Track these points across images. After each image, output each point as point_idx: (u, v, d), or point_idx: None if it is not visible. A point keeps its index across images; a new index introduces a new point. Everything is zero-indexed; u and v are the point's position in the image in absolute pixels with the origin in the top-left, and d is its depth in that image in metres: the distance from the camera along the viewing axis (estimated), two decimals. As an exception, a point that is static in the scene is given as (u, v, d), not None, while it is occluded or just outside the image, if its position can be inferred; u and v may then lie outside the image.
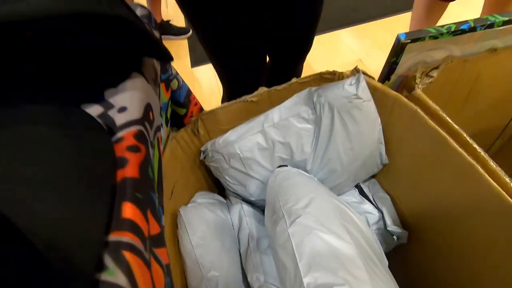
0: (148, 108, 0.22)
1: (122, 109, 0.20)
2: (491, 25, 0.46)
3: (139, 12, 0.31)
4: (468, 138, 0.41)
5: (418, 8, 1.04)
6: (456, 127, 0.43)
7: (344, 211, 0.36)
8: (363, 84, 0.40)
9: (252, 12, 0.56)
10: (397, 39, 0.46)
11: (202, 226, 0.45)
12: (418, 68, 0.52)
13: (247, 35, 0.58)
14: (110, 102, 0.20)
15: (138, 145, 0.19)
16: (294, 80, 0.54)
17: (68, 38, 0.18)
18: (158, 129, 0.28)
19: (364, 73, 0.54)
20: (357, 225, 0.36)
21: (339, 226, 0.31)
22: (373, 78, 0.54)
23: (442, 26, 0.46)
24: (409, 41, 0.46)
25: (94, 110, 0.19)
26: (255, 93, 0.53)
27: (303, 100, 0.45)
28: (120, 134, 0.19)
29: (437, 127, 0.43)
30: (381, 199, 0.58)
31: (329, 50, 1.43)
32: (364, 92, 0.40)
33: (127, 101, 0.20)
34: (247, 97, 0.53)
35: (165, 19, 1.74)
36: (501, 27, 0.47)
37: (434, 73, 0.50)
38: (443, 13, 1.03)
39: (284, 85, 0.54)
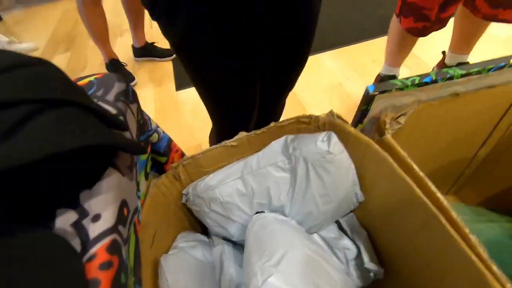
0: (122, 205, 0.23)
1: (96, 217, 0.21)
2: (450, 78, 0.50)
3: (116, 88, 0.32)
4: (432, 187, 0.44)
5: (391, 43, 1.10)
6: (421, 174, 0.46)
7: (317, 263, 0.38)
8: (333, 140, 0.43)
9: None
10: (367, 91, 0.49)
11: (183, 275, 0.46)
12: (388, 112, 0.56)
13: (247, 36, 0.54)
14: (85, 209, 0.21)
15: (111, 259, 0.20)
16: (272, 124, 0.56)
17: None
18: (136, 211, 0.29)
19: (338, 117, 0.57)
20: (330, 277, 0.37)
21: (309, 284, 0.32)
22: (347, 122, 0.57)
23: (407, 79, 0.50)
24: (377, 93, 0.49)
25: (69, 217, 0.20)
26: (235, 137, 0.55)
27: (280, 149, 0.47)
28: (92, 250, 0.20)
29: (404, 174, 0.46)
30: (358, 234, 0.61)
31: (311, 73, 1.47)
32: (335, 147, 0.43)
33: (101, 206, 0.21)
34: (227, 142, 0.54)
35: (149, 40, 1.75)
36: (460, 79, 0.51)
37: (402, 120, 0.54)
38: (414, 45, 1.09)
39: (263, 129, 0.56)
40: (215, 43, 0.51)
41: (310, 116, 0.58)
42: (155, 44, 1.75)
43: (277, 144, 0.48)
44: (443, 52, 1.25)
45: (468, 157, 0.75)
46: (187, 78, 1.53)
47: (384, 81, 1.23)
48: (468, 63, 1.19)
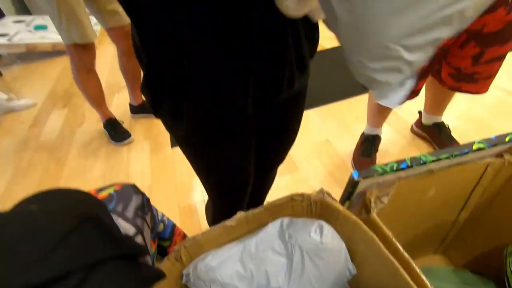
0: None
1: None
2: (424, 163, 0.57)
3: (133, 203, 0.37)
4: (417, 269, 0.48)
5: (371, 109, 1.22)
6: (406, 256, 0.50)
7: None
8: (325, 231, 0.48)
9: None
10: (352, 177, 0.55)
11: None
12: (373, 190, 0.61)
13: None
14: None
15: None
16: (268, 203, 0.60)
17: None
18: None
19: (328, 194, 0.63)
20: None
21: None
22: (336, 200, 0.62)
23: (386, 165, 0.56)
24: (361, 178, 0.55)
25: None
26: (234, 218, 0.59)
27: (277, 233, 0.51)
28: None
29: (390, 256, 0.50)
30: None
31: (300, 129, 1.56)
32: (327, 237, 0.48)
33: None
34: (227, 223, 0.58)
35: (146, 98, 1.85)
36: (432, 163, 0.58)
37: (385, 200, 0.59)
38: (390, 111, 1.21)
39: (260, 208, 0.60)
40: (218, 138, 0.58)
41: (302, 195, 0.63)
42: (151, 102, 1.84)
43: (273, 228, 0.53)
44: (419, 112, 1.37)
45: (450, 220, 0.80)
46: None
47: (368, 140, 1.33)
48: (442, 122, 1.31)
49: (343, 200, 0.62)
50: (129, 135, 1.63)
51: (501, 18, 0.83)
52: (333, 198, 0.61)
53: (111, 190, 0.39)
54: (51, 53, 2.81)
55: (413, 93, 1.04)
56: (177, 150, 1.58)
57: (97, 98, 1.59)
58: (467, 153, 0.57)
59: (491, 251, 0.80)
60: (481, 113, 1.51)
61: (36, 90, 2.34)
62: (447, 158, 0.57)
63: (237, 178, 0.66)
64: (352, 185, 0.56)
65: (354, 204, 0.64)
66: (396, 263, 0.49)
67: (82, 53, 1.37)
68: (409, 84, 0.39)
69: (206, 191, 0.76)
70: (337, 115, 1.63)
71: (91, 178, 1.46)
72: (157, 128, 1.74)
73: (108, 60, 2.65)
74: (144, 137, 1.67)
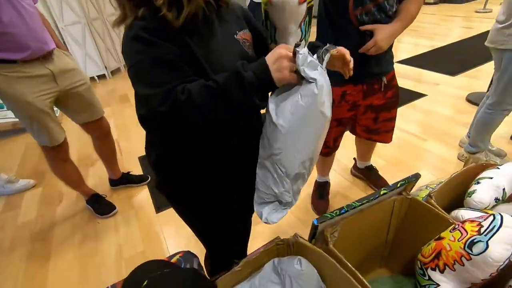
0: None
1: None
2: (354, 207, 0.90)
3: (195, 263, 0.61)
4: (362, 279, 0.77)
5: (318, 163, 1.60)
6: (355, 270, 0.79)
7: None
8: (303, 262, 0.76)
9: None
10: (313, 223, 0.86)
11: None
12: (328, 229, 0.92)
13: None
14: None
15: None
16: (261, 249, 0.87)
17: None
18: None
19: (300, 237, 0.92)
20: None
21: None
22: (305, 239, 0.91)
23: (333, 212, 0.88)
24: (320, 223, 0.86)
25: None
26: (240, 264, 0.84)
27: (271, 270, 0.78)
28: None
29: (345, 272, 0.79)
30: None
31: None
32: (304, 266, 0.76)
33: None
34: (235, 268, 0.83)
35: (124, 170, 2.01)
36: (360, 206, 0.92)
37: (336, 234, 0.90)
38: (332, 161, 1.60)
39: (256, 253, 0.87)
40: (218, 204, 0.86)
41: (283, 240, 0.91)
42: (130, 173, 2.01)
43: (269, 267, 0.79)
44: (354, 159, 1.80)
45: (382, 241, 1.14)
46: (164, 201, 1.81)
47: (320, 186, 1.68)
48: (371, 165, 1.74)
49: (310, 238, 0.92)
50: (114, 207, 1.76)
51: (381, 97, 1.28)
52: (304, 239, 0.90)
53: (177, 257, 0.62)
54: (11, 131, 2.83)
55: (336, 148, 1.44)
56: (162, 215, 1.76)
57: (76, 181, 1.69)
58: (378, 197, 0.93)
59: (413, 258, 1.14)
60: (396, 153, 2.00)
61: (3, 169, 2.33)
62: (368, 201, 0.92)
63: (239, 237, 0.93)
64: (314, 228, 0.86)
65: (318, 240, 0.94)
66: (349, 276, 0.78)
67: (55, 150, 1.46)
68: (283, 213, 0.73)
69: (207, 248, 1.00)
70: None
71: (82, 253, 1.55)
72: (139, 197, 1.90)
73: (74, 134, 2.76)
74: (128, 207, 1.82)
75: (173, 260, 0.61)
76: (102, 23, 4.16)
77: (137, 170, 2.11)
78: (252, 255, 0.87)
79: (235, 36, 0.67)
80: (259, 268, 0.86)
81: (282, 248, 0.92)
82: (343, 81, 1.19)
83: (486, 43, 1.53)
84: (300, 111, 0.59)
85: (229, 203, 0.89)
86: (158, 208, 1.78)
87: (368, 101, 1.28)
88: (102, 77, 4.19)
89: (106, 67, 4.23)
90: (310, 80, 0.57)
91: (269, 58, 0.57)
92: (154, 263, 0.55)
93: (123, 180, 1.95)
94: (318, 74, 0.56)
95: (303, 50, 0.55)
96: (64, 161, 1.56)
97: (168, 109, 0.54)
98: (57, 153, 1.48)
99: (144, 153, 2.25)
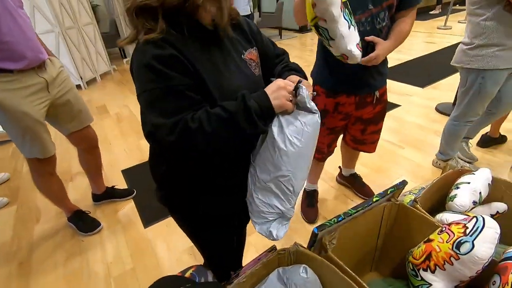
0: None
1: None
2: (350, 215, 0.95)
3: (209, 276, 0.62)
4: (362, 282, 0.82)
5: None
6: (354, 275, 0.84)
7: None
8: (308, 271, 0.79)
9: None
10: (313, 232, 0.89)
11: None
12: (326, 236, 0.96)
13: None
14: None
15: None
16: (264, 259, 0.89)
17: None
18: None
19: (300, 245, 0.95)
20: None
21: None
22: (306, 248, 0.94)
23: (331, 220, 0.93)
24: (319, 231, 0.89)
25: None
26: (243, 276, 0.85)
27: (276, 279, 0.80)
28: None
29: (345, 277, 0.83)
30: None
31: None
32: (309, 274, 0.79)
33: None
34: (240, 280, 0.84)
35: (107, 184, 1.94)
36: (355, 213, 0.97)
37: (334, 241, 0.95)
38: (322, 168, 1.66)
39: (259, 264, 0.88)
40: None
41: (284, 249, 0.94)
42: (115, 187, 1.95)
43: (273, 276, 0.81)
44: (340, 167, 1.88)
45: (373, 246, 1.20)
46: (152, 215, 1.79)
47: (309, 194, 1.73)
48: (355, 173, 1.82)
49: (309, 247, 0.95)
50: (99, 224, 1.70)
51: (371, 111, 1.36)
52: (304, 247, 0.94)
53: (190, 271, 0.63)
54: (-22, 146, 2.65)
55: (329, 153, 1.51)
56: (151, 229, 1.71)
57: (60, 197, 1.63)
58: (371, 203, 0.99)
59: (402, 260, 1.21)
60: (378, 161, 2.11)
61: (-32, 190, 2.17)
62: (362, 209, 0.97)
63: (236, 252, 0.95)
64: (314, 236, 0.90)
65: (316, 248, 0.98)
66: (349, 280, 0.82)
67: (44, 163, 1.42)
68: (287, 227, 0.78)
69: (205, 258, 1.01)
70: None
71: (66, 274, 1.47)
72: (125, 212, 1.84)
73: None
74: (114, 222, 1.76)
75: (187, 275, 0.62)
76: (78, 32, 4.04)
77: (121, 184, 2.06)
78: (253, 266, 0.89)
79: (242, 56, 0.71)
80: (263, 278, 0.88)
81: (283, 257, 0.95)
82: (337, 92, 1.27)
83: (452, 63, 1.68)
84: (306, 137, 0.67)
85: (229, 228, 0.92)
86: (147, 222, 1.73)
87: (359, 113, 1.35)
88: (77, 87, 4.04)
89: (81, 78, 4.09)
90: (313, 111, 0.65)
91: (269, 89, 0.64)
92: (171, 279, 0.56)
93: (107, 195, 1.89)
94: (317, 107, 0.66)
95: (303, 90, 0.64)
96: (51, 175, 1.51)
97: (177, 138, 0.58)
98: (45, 166, 1.44)
99: (127, 166, 2.22)
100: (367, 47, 1.09)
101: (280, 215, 0.76)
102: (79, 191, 2.03)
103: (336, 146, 1.55)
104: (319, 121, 0.67)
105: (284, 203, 0.74)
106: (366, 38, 1.09)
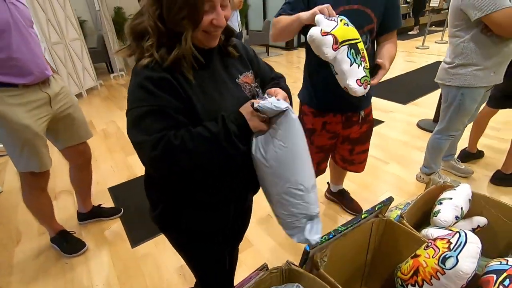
0: None
1: None
2: (341, 231, 0.97)
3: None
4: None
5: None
6: (345, 291, 0.85)
7: None
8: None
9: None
10: (305, 250, 0.91)
11: None
12: (317, 254, 0.98)
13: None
14: None
15: None
16: (256, 278, 0.90)
17: None
18: None
19: (293, 264, 0.96)
20: None
21: None
22: (297, 266, 0.95)
23: (323, 237, 0.95)
24: (311, 250, 0.91)
25: None
26: (239, 295, 0.85)
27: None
28: None
29: (338, 295, 0.84)
30: None
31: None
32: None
33: None
34: (234, 300, 0.84)
35: (93, 203, 1.89)
36: (345, 230, 0.99)
37: (325, 258, 0.96)
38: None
39: (252, 284, 0.89)
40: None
41: (276, 267, 0.94)
42: (101, 206, 1.90)
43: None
44: (328, 183, 1.91)
45: (362, 262, 1.22)
46: (140, 234, 1.76)
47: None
48: (343, 189, 1.86)
49: (301, 265, 0.96)
50: (84, 245, 1.64)
51: (357, 130, 1.42)
52: (296, 265, 0.95)
53: None
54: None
55: (320, 172, 1.54)
56: (138, 249, 1.67)
57: (48, 215, 1.59)
58: (360, 220, 1.01)
59: (390, 276, 1.24)
60: (364, 177, 2.16)
61: None
62: (351, 225, 1.00)
63: (227, 270, 0.95)
64: (305, 254, 0.91)
65: (308, 265, 0.99)
66: (341, 297, 0.84)
67: (38, 177, 1.41)
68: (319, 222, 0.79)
69: (196, 277, 1.01)
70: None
71: (48, 299, 1.41)
72: (112, 231, 1.79)
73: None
74: (100, 242, 1.71)
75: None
76: (64, 48, 4.01)
77: (107, 202, 2.01)
78: (246, 285, 0.89)
79: (237, 80, 0.73)
80: (257, 298, 0.88)
81: (275, 276, 0.95)
82: (324, 111, 1.32)
83: (435, 80, 1.78)
84: (294, 134, 0.68)
85: (220, 245, 0.93)
86: (134, 242, 1.69)
87: (347, 132, 1.40)
88: (62, 103, 3.96)
89: (67, 93, 4.03)
90: (283, 109, 0.65)
91: (244, 109, 0.66)
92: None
93: (93, 214, 1.84)
94: (285, 103, 0.65)
95: (262, 102, 0.65)
96: (42, 191, 1.49)
97: (161, 153, 0.59)
98: (39, 181, 1.44)
99: (114, 184, 2.20)
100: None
101: (307, 217, 0.75)
102: (63, 210, 1.97)
103: (326, 166, 1.59)
104: (293, 115, 0.67)
105: (303, 205, 0.73)
106: (377, 61, 1.15)
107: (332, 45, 0.96)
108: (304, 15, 1.04)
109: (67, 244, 1.62)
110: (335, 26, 0.99)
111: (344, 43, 1.00)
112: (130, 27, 0.64)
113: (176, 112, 0.62)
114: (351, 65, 1.02)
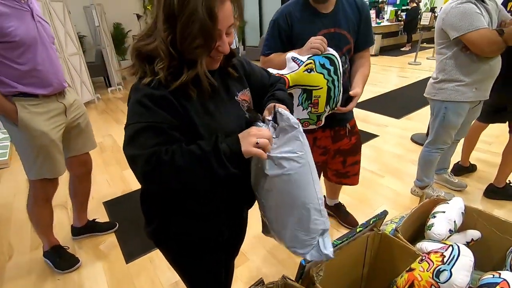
0: None
1: None
2: (337, 245, 0.98)
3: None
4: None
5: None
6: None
7: None
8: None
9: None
10: (301, 264, 0.91)
11: None
12: (313, 268, 0.98)
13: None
14: None
15: None
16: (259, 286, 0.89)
17: None
18: None
19: (290, 279, 0.96)
20: None
21: None
22: (294, 280, 0.95)
23: (317, 251, 0.95)
24: (306, 264, 0.91)
25: None
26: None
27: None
28: None
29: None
30: None
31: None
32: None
33: None
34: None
35: (88, 217, 1.87)
36: (340, 244, 1.00)
37: (321, 272, 0.96)
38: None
39: (248, 299, 0.88)
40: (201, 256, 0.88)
41: (272, 282, 0.94)
42: (96, 220, 1.88)
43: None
44: (324, 196, 1.92)
45: (359, 275, 1.22)
46: (135, 249, 1.75)
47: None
48: (339, 202, 1.87)
49: (297, 279, 0.96)
50: (78, 260, 1.62)
51: (347, 142, 1.45)
52: (292, 280, 0.95)
53: None
54: None
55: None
56: (133, 265, 1.64)
57: (48, 227, 1.60)
58: (355, 234, 1.02)
59: (387, 290, 1.23)
60: (360, 190, 2.18)
61: None
62: (347, 239, 1.01)
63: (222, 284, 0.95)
64: (301, 268, 0.92)
65: (304, 280, 0.99)
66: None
67: (47, 186, 1.46)
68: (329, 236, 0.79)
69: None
70: (267, 206, 2.05)
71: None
72: (106, 246, 1.76)
73: (26, 176, 2.52)
74: (94, 258, 1.68)
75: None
76: (63, 62, 4.05)
77: (102, 217, 1.99)
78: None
79: (235, 97, 0.76)
80: (252, 313, 0.87)
81: (272, 290, 0.95)
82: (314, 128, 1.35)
83: (424, 94, 1.84)
84: (306, 149, 0.70)
85: (209, 258, 0.91)
86: (129, 257, 1.67)
87: (337, 145, 1.43)
88: (59, 116, 3.97)
89: (64, 107, 4.04)
90: (295, 126, 0.68)
91: (242, 134, 0.65)
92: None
93: (88, 229, 1.81)
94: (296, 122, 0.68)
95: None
96: (46, 201, 1.52)
97: (153, 169, 0.59)
98: (47, 190, 1.48)
99: (109, 198, 2.20)
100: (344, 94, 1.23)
101: (320, 233, 0.76)
102: (57, 224, 1.94)
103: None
104: (301, 130, 0.69)
105: (320, 220, 0.74)
106: (351, 92, 1.24)
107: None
108: (297, 51, 1.14)
109: (60, 259, 1.60)
110: (294, 70, 1.12)
111: (296, 87, 1.13)
112: (136, 48, 0.66)
113: (171, 128, 0.63)
114: (297, 105, 1.17)
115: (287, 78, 1.11)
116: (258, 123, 0.72)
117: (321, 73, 1.10)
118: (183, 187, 0.64)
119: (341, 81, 1.16)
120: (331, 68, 1.11)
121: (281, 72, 1.12)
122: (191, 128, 0.66)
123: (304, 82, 1.12)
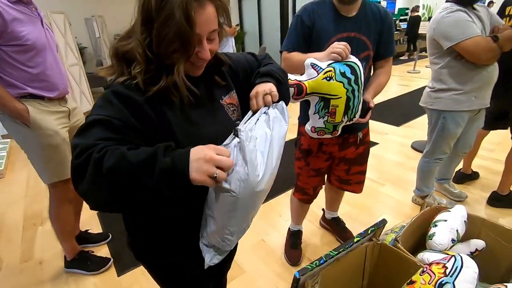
0: None
1: None
2: (332, 256, 0.93)
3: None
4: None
5: (293, 210, 1.64)
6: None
7: None
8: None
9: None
10: (295, 277, 0.86)
11: None
12: (308, 281, 0.93)
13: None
14: None
15: None
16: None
17: None
18: None
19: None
20: None
21: None
22: (288, 294, 0.90)
23: (313, 262, 0.90)
24: (301, 276, 0.86)
25: None
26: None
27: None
28: None
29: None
30: None
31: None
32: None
33: None
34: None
35: (81, 228, 1.83)
36: (337, 255, 0.95)
37: (317, 286, 0.91)
38: (307, 210, 1.64)
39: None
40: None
41: (265, 296, 0.89)
42: (89, 231, 1.83)
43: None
44: (323, 209, 1.87)
45: (359, 287, 1.16)
46: (127, 262, 1.70)
47: (293, 234, 1.69)
48: (338, 217, 1.81)
49: (292, 292, 0.91)
50: (109, 259, 1.65)
51: (354, 151, 1.41)
52: (285, 293, 0.89)
53: None
54: None
55: (316, 195, 1.51)
56: (124, 277, 1.59)
57: (72, 230, 1.61)
58: (352, 244, 0.97)
59: (388, 304, 1.17)
60: (360, 198, 2.12)
61: None
62: (344, 250, 0.96)
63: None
64: (295, 281, 0.87)
65: (300, 291, 0.93)
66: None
67: (67, 187, 1.46)
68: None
69: None
70: (265, 216, 1.99)
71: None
72: (101, 259, 1.71)
73: (20, 190, 2.50)
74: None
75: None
76: (62, 73, 4.08)
77: (95, 227, 1.94)
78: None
79: (220, 101, 0.72)
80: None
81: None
82: None
83: (420, 103, 1.81)
84: (275, 144, 0.62)
85: (194, 274, 0.85)
86: (121, 270, 1.61)
87: (343, 153, 1.39)
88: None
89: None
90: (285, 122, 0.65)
91: (195, 154, 0.51)
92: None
93: (80, 239, 1.75)
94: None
95: (241, 134, 0.58)
96: (70, 203, 1.53)
97: (82, 163, 0.50)
98: (67, 191, 1.48)
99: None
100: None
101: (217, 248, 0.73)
102: (49, 236, 1.90)
103: (321, 189, 1.56)
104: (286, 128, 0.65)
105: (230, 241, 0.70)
106: (370, 105, 1.21)
107: (293, 95, 1.05)
108: (318, 55, 1.11)
109: (91, 262, 1.61)
110: (312, 77, 1.07)
111: (313, 94, 1.08)
112: (115, 48, 0.63)
113: (128, 128, 0.56)
114: (313, 113, 1.14)
115: (305, 85, 1.06)
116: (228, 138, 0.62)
117: (341, 82, 1.05)
118: (115, 200, 0.51)
119: (362, 91, 1.12)
120: (352, 77, 1.06)
121: (299, 78, 1.08)
122: (169, 134, 0.61)
123: (323, 90, 1.07)
